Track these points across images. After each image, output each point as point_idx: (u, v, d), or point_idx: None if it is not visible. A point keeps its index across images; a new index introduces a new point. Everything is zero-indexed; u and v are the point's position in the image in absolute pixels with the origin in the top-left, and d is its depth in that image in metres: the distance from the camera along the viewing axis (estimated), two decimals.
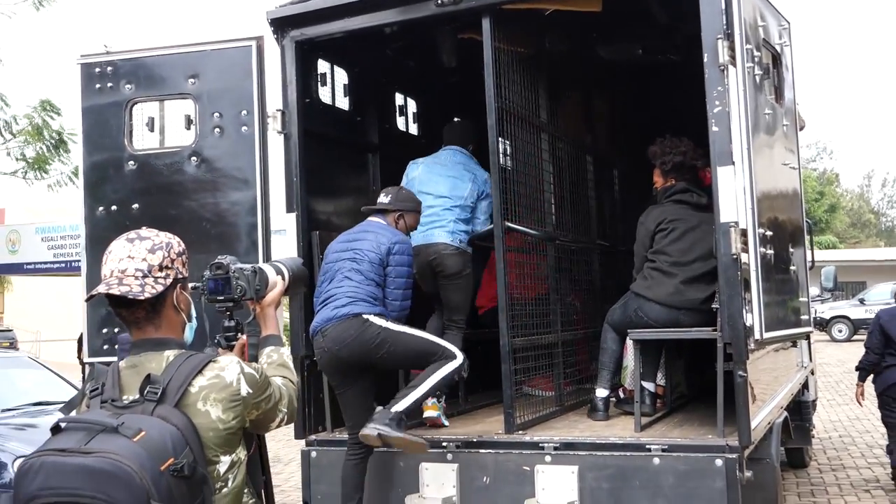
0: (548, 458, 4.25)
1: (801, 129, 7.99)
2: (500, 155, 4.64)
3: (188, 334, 2.40)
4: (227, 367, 2.23)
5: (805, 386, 7.70)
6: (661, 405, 5.23)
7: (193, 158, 4.94)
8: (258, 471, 2.66)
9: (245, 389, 2.24)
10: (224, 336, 2.69)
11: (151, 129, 5.09)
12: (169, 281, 2.26)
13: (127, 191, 5.02)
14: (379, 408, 4.36)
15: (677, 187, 4.87)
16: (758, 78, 4.19)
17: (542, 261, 5.15)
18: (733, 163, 4.00)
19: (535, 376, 5.11)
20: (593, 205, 6.16)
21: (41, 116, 16.79)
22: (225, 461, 2.20)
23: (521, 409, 4.73)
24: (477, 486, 4.35)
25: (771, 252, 4.15)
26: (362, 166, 5.80)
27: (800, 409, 7.57)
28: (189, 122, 4.98)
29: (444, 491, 4.37)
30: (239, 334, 2.71)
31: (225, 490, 2.20)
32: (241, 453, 2.27)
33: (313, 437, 4.86)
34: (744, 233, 3.96)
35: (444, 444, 4.46)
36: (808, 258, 8.20)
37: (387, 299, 4.49)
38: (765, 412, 4.56)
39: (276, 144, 4.96)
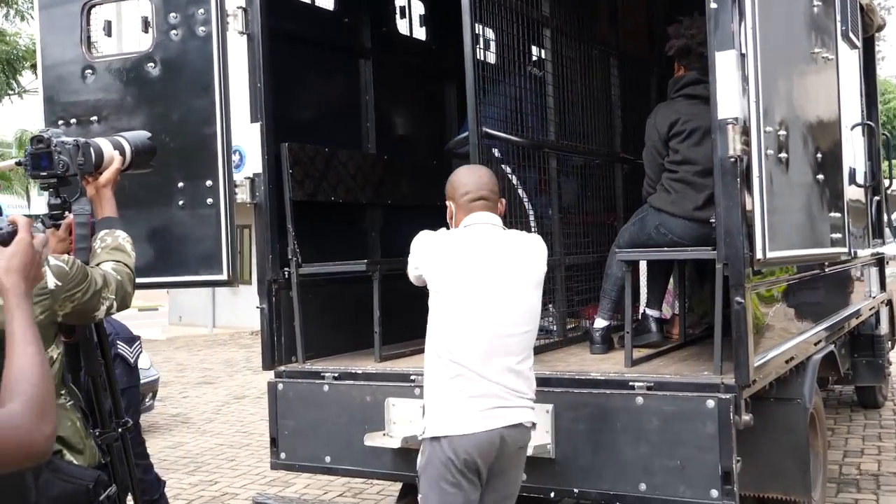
0: None
1: (879, 28, 7.02)
2: (478, 47, 4.03)
3: None
4: None
5: (877, 318, 6.91)
6: (676, 337, 4.62)
7: (150, 65, 4.49)
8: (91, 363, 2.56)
9: (52, 282, 2.10)
10: (50, 215, 2.52)
11: (109, 34, 4.67)
12: None
13: (85, 103, 4.64)
14: None
15: (687, 78, 4.15)
16: None
17: (538, 173, 4.54)
18: (735, 47, 3.31)
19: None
20: (619, 114, 5.46)
21: None
22: None
23: None
24: None
25: (785, 156, 3.45)
26: (351, 72, 5.26)
27: (871, 344, 6.81)
28: (146, 24, 4.53)
29: (410, 429, 3.91)
30: (66, 213, 2.53)
31: None
32: (54, 352, 2.15)
33: (282, 368, 4.47)
34: (745, 131, 3.29)
35: (413, 377, 3.99)
36: (886, 181, 7.32)
37: None
38: (784, 347, 3.91)
39: (240, 46, 4.49)
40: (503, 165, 4.28)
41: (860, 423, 7.31)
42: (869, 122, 6.35)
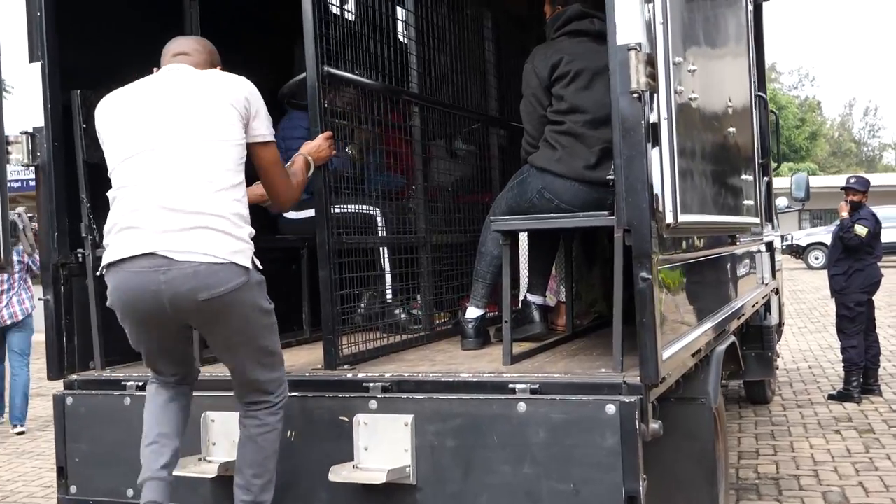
0: (373, 405, 2.93)
1: None
2: None
3: None
4: None
5: (767, 308, 6.45)
6: (562, 328, 3.92)
7: None
8: None
9: None
10: None
11: None
12: None
13: None
14: None
15: (570, 12, 3.42)
16: None
17: (396, 133, 3.75)
18: None
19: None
20: (492, 72, 4.72)
21: None
22: None
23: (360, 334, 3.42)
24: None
25: (696, 97, 2.78)
26: (172, 12, 4.32)
27: (761, 336, 6.31)
28: None
29: (234, 450, 3.04)
30: None
31: None
32: None
33: (74, 377, 3.52)
34: (650, 61, 2.58)
35: None
36: (771, 147, 6.90)
37: None
38: (692, 337, 3.24)
39: None
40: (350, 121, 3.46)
41: (750, 420, 6.86)
42: (761, 94, 5.86)
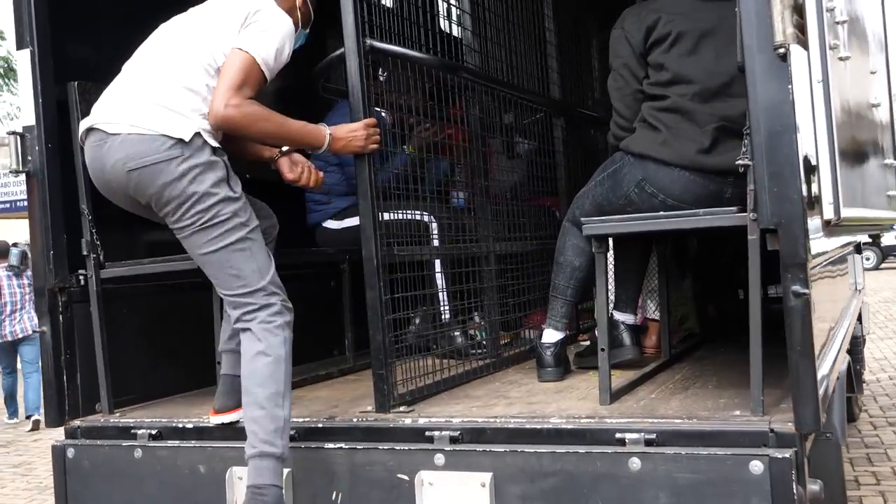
0: (440, 460, 2.31)
1: None
2: None
3: None
4: None
5: (859, 317, 5.75)
6: (653, 351, 3.29)
7: None
8: None
9: None
10: None
11: None
12: None
13: None
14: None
15: None
16: None
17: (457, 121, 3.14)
18: None
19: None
20: (553, 53, 4.10)
21: None
22: None
23: (411, 368, 2.81)
24: None
25: (848, 55, 2.14)
26: None
27: (851, 347, 5.64)
28: None
29: None
30: None
31: None
32: None
33: (77, 423, 2.95)
34: (798, 6, 1.96)
35: None
36: None
37: None
38: (830, 362, 2.59)
39: None
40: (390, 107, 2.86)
41: None
42: None
